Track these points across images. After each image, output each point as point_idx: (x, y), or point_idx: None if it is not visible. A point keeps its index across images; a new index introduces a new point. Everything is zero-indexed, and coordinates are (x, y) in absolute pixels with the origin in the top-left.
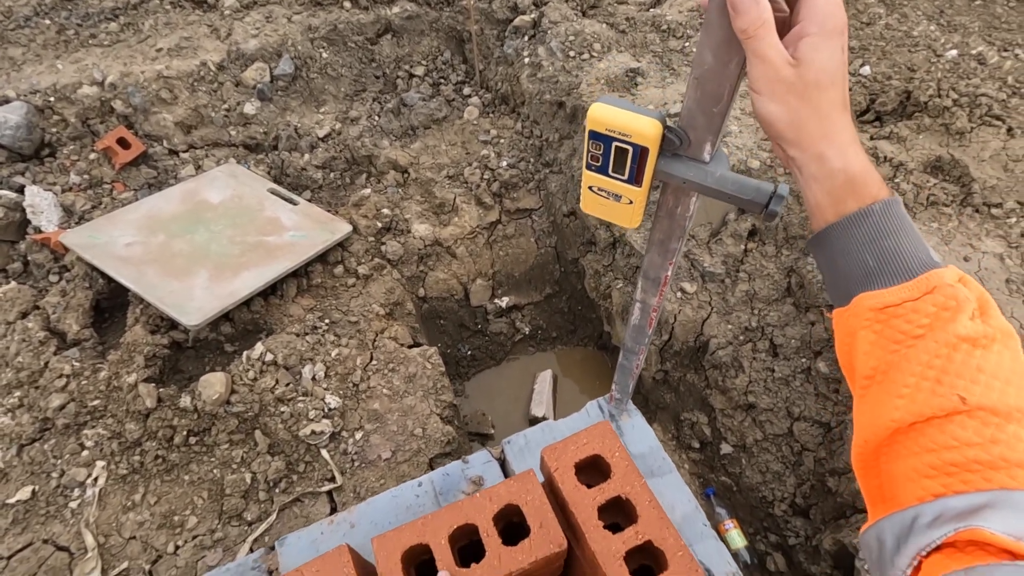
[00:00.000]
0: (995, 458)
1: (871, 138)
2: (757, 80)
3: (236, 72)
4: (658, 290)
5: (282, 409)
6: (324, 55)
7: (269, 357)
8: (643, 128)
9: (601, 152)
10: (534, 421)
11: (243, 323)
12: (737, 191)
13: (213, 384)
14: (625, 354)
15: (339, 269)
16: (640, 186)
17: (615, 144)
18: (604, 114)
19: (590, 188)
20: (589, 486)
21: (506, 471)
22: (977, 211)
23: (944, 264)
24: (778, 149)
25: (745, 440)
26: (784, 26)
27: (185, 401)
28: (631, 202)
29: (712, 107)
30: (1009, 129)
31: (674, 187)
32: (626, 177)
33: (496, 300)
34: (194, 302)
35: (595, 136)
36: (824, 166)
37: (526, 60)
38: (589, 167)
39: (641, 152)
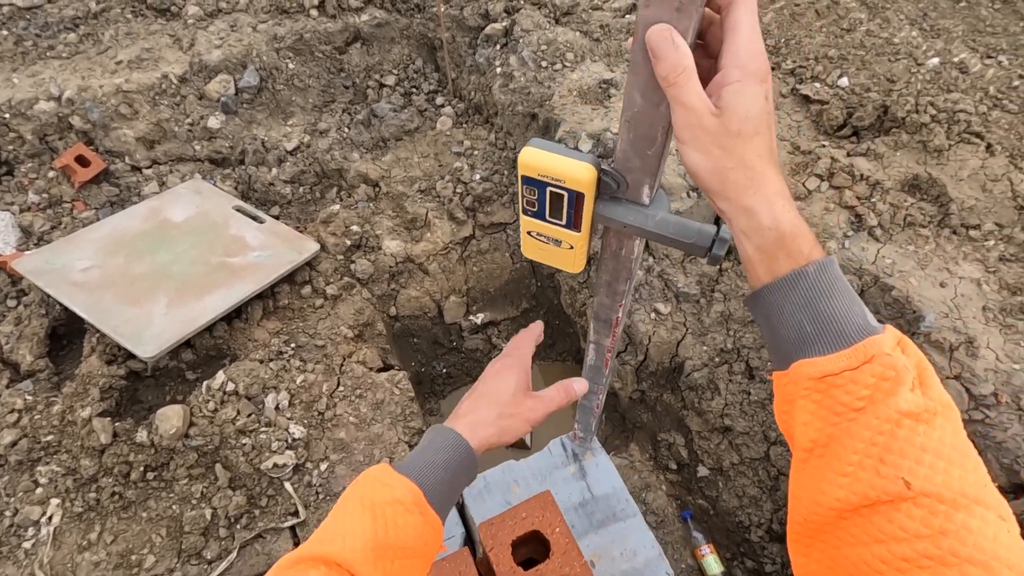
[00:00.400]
0: (945, 552)
1: (848, 154)
2: (680, 129)
3: (199, 84)
4: (611, 331)
5: (243, 441)
6: (291, 65)
7: (230, 387)
8: (576, 173)
9: (536, 198)
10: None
11: (205, 349)
12: (679, 235)
13: (170, 418)
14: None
15: (307, 290)
16: (579, 231)
17: (549, 189)
18: (535, 159)
19: (529, 233)
20: (528, 562)
21: (464, 516)
22: (955, 233)
23: (882, 328)
24: (711, 201)
25: (722, 463)
26: (709, 74)
27: (141, 436)
28: (572, 247)
29: (646, 149)
30: (988, 146)
31: (615, 230)
32: (564, 222)
33: (471, 316)
34: (151, 330)
35: (528, 182)
36: (752, 220)
37: (498, 70)
38: (526, 212)
39: (577, 197)
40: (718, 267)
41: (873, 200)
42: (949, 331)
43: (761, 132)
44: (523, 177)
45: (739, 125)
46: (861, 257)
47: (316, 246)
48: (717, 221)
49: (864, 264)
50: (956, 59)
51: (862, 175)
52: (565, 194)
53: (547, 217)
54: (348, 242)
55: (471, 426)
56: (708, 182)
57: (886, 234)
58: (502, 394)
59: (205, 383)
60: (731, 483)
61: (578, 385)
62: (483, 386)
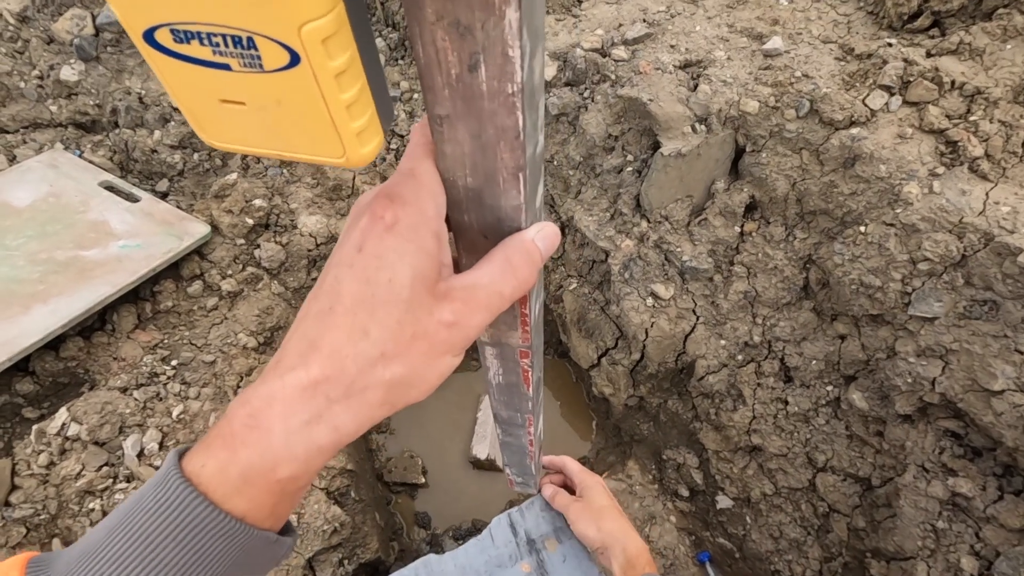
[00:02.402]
0: None
1: (929, 54)
2: (569, 520)
3: (45, 23)
4: (517, 315)
5: (91, 506)
6: None
7: (73, 430)
8: None
9: None
10: (477, 464)
11: (51, 375)
12: None
13: None
14: (503, 428)
15: (196, 286)
16: None
17: None
18: None
19: (150, 41)
20: None
21: None
22: None
23: None
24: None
25: (749, 492)
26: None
27: None
28: (295, 57)
29: None
30: None
31: None
32: None
33: None
34: None
35: None
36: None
37: None
38: None
39: None
40: (738, 229)
41: (973, 118)
42: None
43: (606, 507)
44: None
45: (599, 504)
46: (961, 205)
47: (205, 229)
48: None
49: (966, 216)
50: None
51: (953, 82)
52: None
53: None
54: (251, 221)
55: (307, 401)
56: (594, 544)
57: (996, 168)
58: (384, 296)
59: (35, 428)
60: (763, 519)
61: (542, 238)
62: (337, 279)
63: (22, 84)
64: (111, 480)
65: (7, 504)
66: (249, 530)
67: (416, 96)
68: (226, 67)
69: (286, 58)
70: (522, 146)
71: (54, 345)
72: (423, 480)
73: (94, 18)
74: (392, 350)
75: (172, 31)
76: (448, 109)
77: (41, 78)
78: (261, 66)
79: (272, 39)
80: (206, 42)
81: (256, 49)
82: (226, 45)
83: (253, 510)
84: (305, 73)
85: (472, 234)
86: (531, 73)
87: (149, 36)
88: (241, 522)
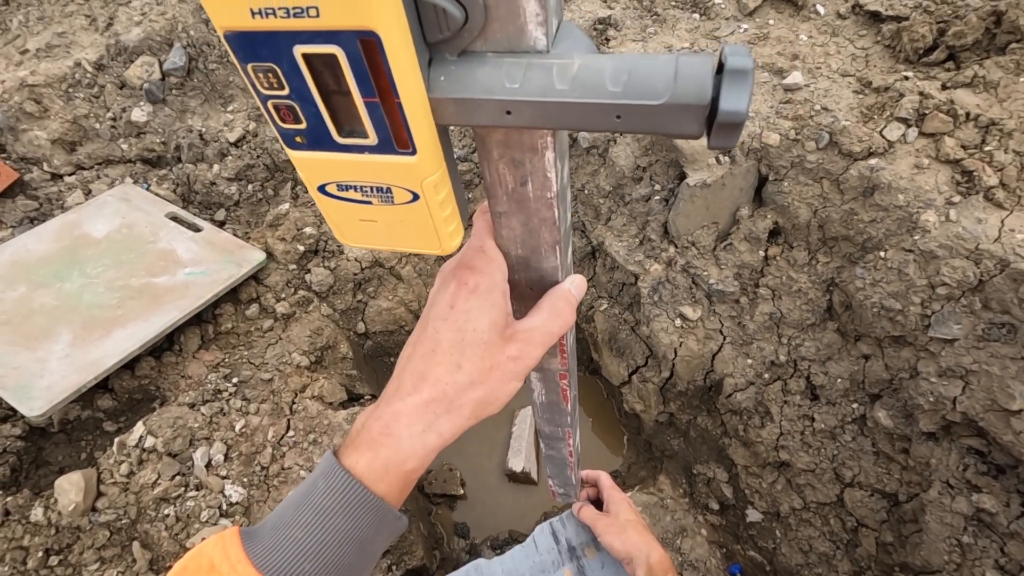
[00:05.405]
0: None
1: (944, 87)
2: (598, 532)
3: (119, 71)
4: (556, 347)
5: (166, 512)
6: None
7: (149, 442)
8: None
9: (285, 90)
10: (512, 477)
11: (127, 392)
12: (629, 94)
13: (68, 491)
14: (546, 442)
15: (253, 309)
16: (414, 151)
17: (300, 52)
18: None
19: (322, 191)
20: None
21: None
22: None
23: None
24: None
25: (779, 507)
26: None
27: (37, 513)
28: (415, 196)
29: None
30: None
31: (493, 136)
32: (373, 139)
33: None
34: (44, 380)
35: (243, 47)
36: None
37: None
38: (287, 139)
39: (367, 51)
40: (762, 254)
41: (988, 148)
42: None
43: (631, 521)
44: (227, 36)
45: (624, 518)
46: (977, 232)
47: (261, 256)
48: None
49: (982, 243)
50: None
51: (968, 114)
52: (338, 53)
53: (336, 136)
54: (301, 248)
55: (422, 416)
56: (619, 555)
57: (1012, 197)
58: (470, 340)
59: (117, 440)
60: (792, 533)
61: (575, 287)
62: (436, 329)
63: (97, 125)
64: (183, 488)
65: (94, 509)
66: (388, 506)
67: (452, 127)
68: (368, 202)
69: (410, 197)
70: (557, 229)
71: (130, 365)
72: (461, 492)
73: (161, 64)
74: (477, 378)
75: (338, 185)
76: (506, 208)
77: (114, 119)
78: (392, 201)
79: (403, 188)
80: (359, 190)
81: (391, 193)
82: (372, 192)
83: (389, 493)
84: (421, 204)
85: (521, 287)
86: (562, 181)
87: (322, 188)
88: (383, 500)
